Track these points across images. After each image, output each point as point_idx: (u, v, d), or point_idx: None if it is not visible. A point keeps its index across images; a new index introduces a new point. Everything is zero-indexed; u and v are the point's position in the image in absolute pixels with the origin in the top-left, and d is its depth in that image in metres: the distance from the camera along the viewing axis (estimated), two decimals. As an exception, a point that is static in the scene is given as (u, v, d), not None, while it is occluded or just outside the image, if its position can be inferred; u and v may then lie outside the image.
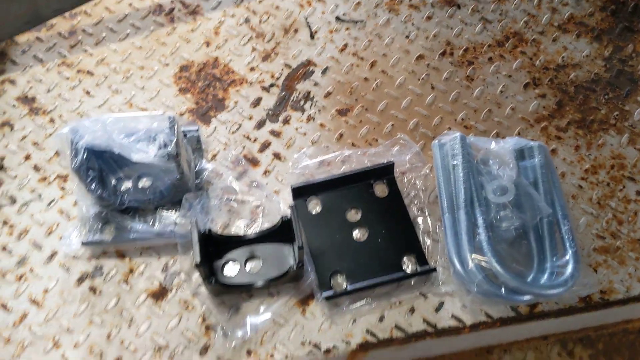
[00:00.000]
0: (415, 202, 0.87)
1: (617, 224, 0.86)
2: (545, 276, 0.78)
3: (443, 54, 1.02)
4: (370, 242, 0.85)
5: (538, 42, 1.02)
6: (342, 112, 0.96)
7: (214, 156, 0.92)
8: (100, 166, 0.83)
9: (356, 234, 0.85)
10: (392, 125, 0.95)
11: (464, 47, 1.02)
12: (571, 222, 0.81)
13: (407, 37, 1.04)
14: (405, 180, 0.89)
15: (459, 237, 0.80)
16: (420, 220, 0.86)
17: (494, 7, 1.06)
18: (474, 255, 0.78)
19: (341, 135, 0.94)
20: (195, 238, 0.75)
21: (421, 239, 0.84)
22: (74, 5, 1.03)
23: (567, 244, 0.79)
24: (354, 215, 0.87)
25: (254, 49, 1.03)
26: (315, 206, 0.87)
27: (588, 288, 0.78)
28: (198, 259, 0.73)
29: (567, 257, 0.78)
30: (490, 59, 1.01)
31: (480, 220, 0.81)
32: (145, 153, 0.80)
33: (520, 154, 0.87)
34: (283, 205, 0.87)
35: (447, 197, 0.84)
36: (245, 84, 0.99)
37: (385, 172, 0.88)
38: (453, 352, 0.85)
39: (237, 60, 1.01)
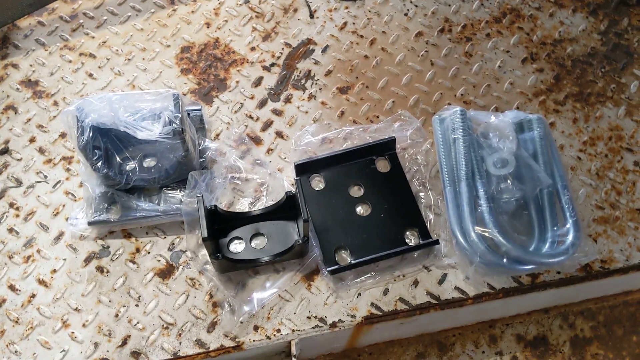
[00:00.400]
0: (417, 177, 0.88)
1: (616, 195, 0.87)
2: (547, 245, 0.79)
3: (442, 30, 1.02)
4: (374, 217, 0.86)
5: (535, 18, 1.03)
6: (343, 90, 0.97)
7: (217, 135, 0.93)
8: (105, 145, 0.84)
9: (359, 209, 0.86)
10: (393, 101, 0.96)
11: (462, 24, 1.03)
12: (571, 192, 0.83)
13: (406, 14, 1.04)
14: (407, 155, 0.90)
15: (461, 209, 0.81)
16: (422, 194, 0.87)
17: (492, -16, 1.06)
18: (476, 227, 0.79)
19: (342, 113, 0.95)
20: (202, 213, 0.76)
21: (423, 213, 0.85)
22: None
23: (568, 214, 0.80)
24: (356, 191, 0.88)
25: (254, 29, 1.03)
26: (318, 183, 0.88)
27: (589, 256, 0.79)
28: (205, 233, 0.74)
29: (568, 226, 0.80)
30: (488, 35, 1.02)
31: (481, 192, 0.82)
32: (151, 131, 0.81)
33: (520, 127, 0.88)
34: (286, 183, 0.88)
35: (449, 170, 0.85)
36: (247, 64, 1.00)
37: (386, 147, 0.89)
38: (456, 326, 0.87)
39: (238, 40, 1.02)
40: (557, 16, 1.03)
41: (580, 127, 0.92)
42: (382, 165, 0.90)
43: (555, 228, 0.80)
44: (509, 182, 0.83)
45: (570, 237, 0.79)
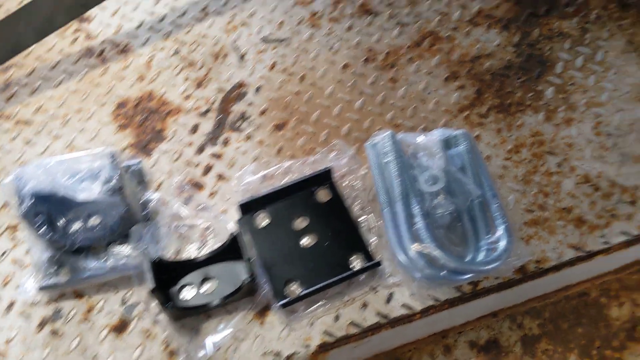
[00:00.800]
0: (357, 202, 0.92)
1: (543, 197, 0.92)
2: (482, 254, 0.83)
3: (366, 60, 1.07)
4: (319, 246, 0.88)
5: (452, 38, 1.09)
6: (278, 127, 1.01)
7: (159, 185, 0.95)
8: (48, 210, 0.85)
9: (304, 240, 0.89)
10: (327, 132, 1.00)
11: (386, 52, 1.08)
12: (500, 200, 0.87)
13: (331, 48, 1.09)
14: (345, 183, 0.94)
15: (399, 228, 0.85)
16: (363, 218, 0.90)
17: (408, 11, 1.12)
18: (414, 244, 0.83)
19: (280, 149, 0.99)
20: (147, 266, 0.78)
21: (366, 237, 0.88)
22: (7, 58, 1.06)
23: (498, 221, 0.85)
24: (300, 223, 0.91)
25: (186, 78, 1.06)
26: (263, 219, 0.91)
27: (522, 259, 0.84)
28: (152, 285, 0.76)
29: (499, 232, 0.84)
30: (410, 59, 1.07)
31: (416, 210, 0.85)
32: (90, 191, 0.83)
33: (447, 144, 0.92)
34: (232, 224, 0.90)
35: (384, 192, 0.88)
36: (182, 113, 1.02)
37: (324, 178, 0.93)
38: (410, 341, 0.90)
39: (172, 90, 1.05)
40: (472, 34, 1.09)
41: (504, 137, 0.98)
42: (323, 195, 0.93)
43: (488, 236, 0.84)
44: (441, 197, 0.87)
45: (502, 243, 0.83)
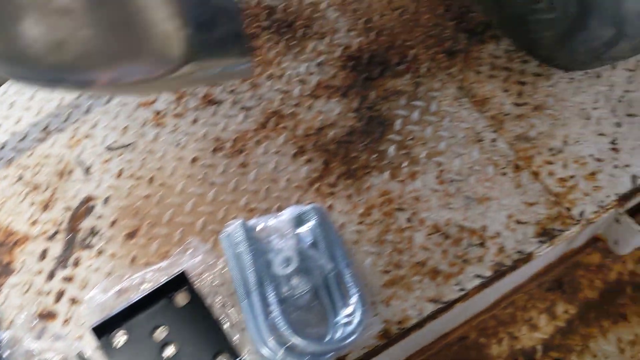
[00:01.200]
0: (218, 299, 0.90)
1: (397, 255, 0.93)
2: (340, 329, 0.83)
3: (215, 150, 1.08)
4: (182, 354, 0.85)
5: (295, 114, 1.12)
6: (130, 235, 0.99)
7: (10, 323, 0.90)
8: None
9: (167, 351, 0.86)
10: (182, 231, 0.99)
11: (233, 138, 1.10)
12: (353, 268, 0.88)
13: (178, 144, 1.09)
14: (204, 280, 0.92)
15: (257, 319, 0.83)
16: (226, 315, 0.89)
17: (250, 95, 1.15)
18: (272, 334, 0.81)
19: (134, 259, 0.96)
20: None
21: (230, 334, 0.86)
22: None
23: (352, 291, 0.85)
24: (161, 333, 0.88)
25: (32, 203, 1.03)
26: (122, 337, 0.87)
27: (380, 325, 0.84)
28: None
29: (354, 303, 0.84)
30: (258, 141, 1.09)
31: (271, 298, 0.85)
32: None
33: (299, 221, 0.93)
34: (89, 350, 0.86)
35: (241, 284, 0.87)
36: (30, 240, 0.99)
37: (180, 281, 0.91)
38: None
39: (17, 219, 1.01)
40: (314, 107, 1.13)
41: (355, 202, 1.00)
42: (182, 299, 0.91)
43: (344, 309, 0.84)
44: (296, 278, 0.87)
45: (357, 314, 0.83)
